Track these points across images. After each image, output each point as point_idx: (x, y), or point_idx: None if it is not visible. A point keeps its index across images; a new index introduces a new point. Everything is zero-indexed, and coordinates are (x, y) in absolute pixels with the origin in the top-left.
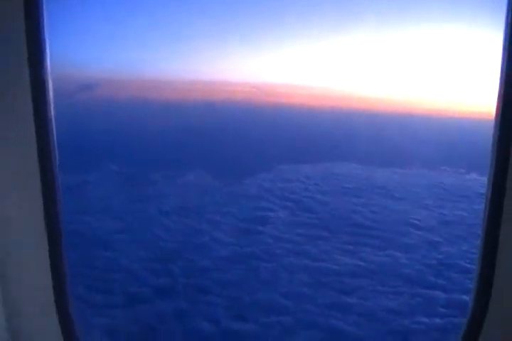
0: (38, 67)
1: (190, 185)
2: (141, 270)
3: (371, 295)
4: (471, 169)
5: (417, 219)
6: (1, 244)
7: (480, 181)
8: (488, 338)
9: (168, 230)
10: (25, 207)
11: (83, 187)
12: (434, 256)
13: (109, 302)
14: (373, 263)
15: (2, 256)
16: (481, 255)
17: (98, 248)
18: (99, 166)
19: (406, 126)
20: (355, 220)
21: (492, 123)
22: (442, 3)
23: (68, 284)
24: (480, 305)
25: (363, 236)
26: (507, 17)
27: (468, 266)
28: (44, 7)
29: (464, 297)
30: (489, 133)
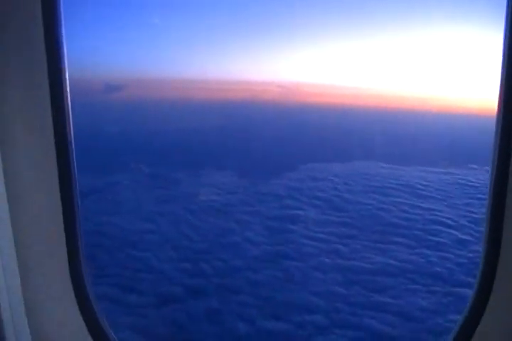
0: (56, 72)
1: (217, 185)
2: (173, 270)
3: (404, 294)
4: None
5: (446, 217)
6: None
7: None
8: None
9: (197, 230)
10: (44, 209)
11: (110, 189)
12: (465, 255)
13: (141, 302)
14: (404, 261)
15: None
16: (484, 253)
17: (128, 248)
18: (125, 167)
19: (433, 125)
20: (385, 219)
21: None
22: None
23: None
24: (480, 302)
25: (393, 234)
26: (507, 16)
27: None
28: (62, 13)
29: None
30: None
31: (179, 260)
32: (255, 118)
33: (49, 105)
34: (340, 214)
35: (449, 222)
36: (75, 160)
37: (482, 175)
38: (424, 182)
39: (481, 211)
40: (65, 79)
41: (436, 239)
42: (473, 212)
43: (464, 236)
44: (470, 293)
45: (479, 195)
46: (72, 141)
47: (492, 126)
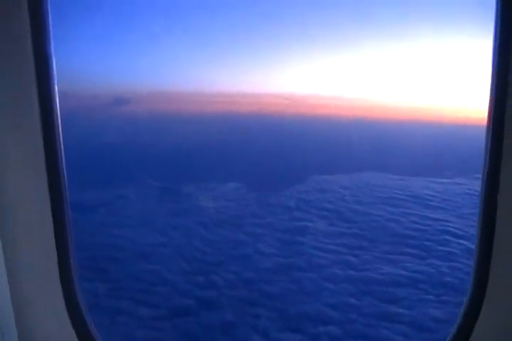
0: (45, 84)
1: (227, 198)
2: (186, 283)
3: (416, 304)
4: None
5: (455, 227)
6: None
7: None
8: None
9: (208, 242)
10: (34, 217)
11: (119, 202)
12: None
13: (155, 315)
14: (415, 272)
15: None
16: (477, 254)
17: (141, 261)
18: (135, 181)
19: (438, 135)
20: (395, 230)
21: None
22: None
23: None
24: (475, 302)
25: (403, 245)
26: (496, 26)
27: None
28: (50, 23)
29: None
30: None
31: (191, 272)
32: (262, 131)
33: (38, 111)
34: (349, 225)
35: (459, 232)
36: (64, 169)
37: None
38: (432, 193)
39: None
40: (54, 86)
41: (447, 249)
42: None
43: (473, 246)
44: None
45: None
46: (62, 149)
47: None
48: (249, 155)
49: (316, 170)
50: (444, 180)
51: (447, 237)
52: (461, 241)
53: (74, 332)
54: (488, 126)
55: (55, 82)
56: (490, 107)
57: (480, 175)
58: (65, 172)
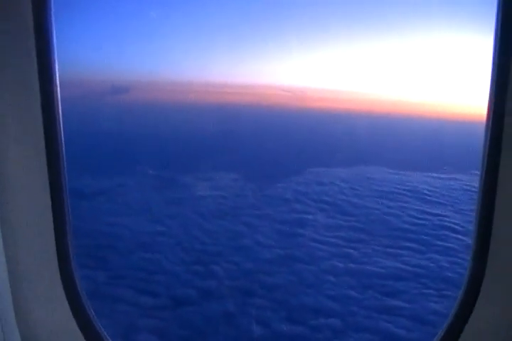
0: (46, 75)
1: (224, 188)
2: (185, 272)
3: (417, 298)
4: None
5: (453, 222)
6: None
7: None
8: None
9: (207, 233)
10: (33, 211)
11: (118, 190)
12: None
13: (155, 304)
14: (415, 266)
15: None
16: (474, 250)
17: (140, 250)
18: (134, 169)
19: (436, 131)
20: (393, 223)
21: None
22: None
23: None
24: (468, 301)
25: (402, 239)
26: (497, 23)
27: None
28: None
29: None
30: None
31: (191, 262)
32: (261, 122)
33: (39, 107)
34: (348, 218)
35: (457, 227)
36: (65, 160)
37: None
38: (430, 188)
39: None
40: (56, 80)
41: (445, 244)
42: None
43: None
44: None
45: None
46: (63, 142)
47: None
48: (246, 147)
49: (314, 162)
50: (442, 176)
51: (446, 232)
52: (460, 237)
53: (75, 322)
54: (487, 123)
55: (57, 76)
56: (489, 103)
57: (478, 172)
58: (65, 164)
